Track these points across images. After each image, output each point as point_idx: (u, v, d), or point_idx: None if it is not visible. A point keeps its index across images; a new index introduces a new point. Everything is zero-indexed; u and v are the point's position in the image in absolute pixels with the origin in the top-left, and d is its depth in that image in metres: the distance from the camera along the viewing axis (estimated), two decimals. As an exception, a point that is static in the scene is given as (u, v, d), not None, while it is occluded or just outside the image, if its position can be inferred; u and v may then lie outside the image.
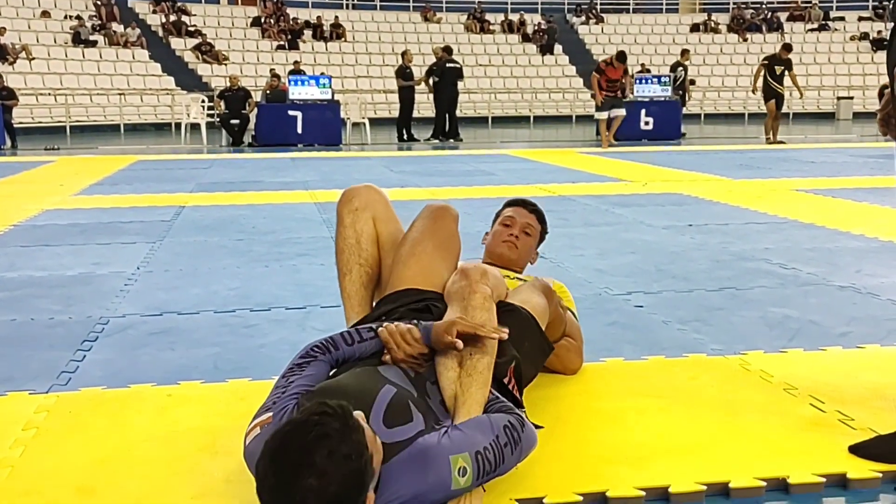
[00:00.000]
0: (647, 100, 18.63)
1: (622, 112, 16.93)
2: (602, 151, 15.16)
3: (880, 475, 2.30)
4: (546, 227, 3.47)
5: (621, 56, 17.61)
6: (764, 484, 2.26)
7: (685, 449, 2.47)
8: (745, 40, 33.41)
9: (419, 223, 2.86)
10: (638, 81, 19.15)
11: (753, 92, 17.74)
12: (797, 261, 5.21)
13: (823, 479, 2.28)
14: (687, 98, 19.74)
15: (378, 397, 2.13)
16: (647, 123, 18.42)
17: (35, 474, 2.37)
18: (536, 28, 32.41)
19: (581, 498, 2.19)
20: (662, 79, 18.99)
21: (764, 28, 33.99)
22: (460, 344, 2.26)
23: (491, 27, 32.41)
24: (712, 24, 33.91)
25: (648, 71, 22.02)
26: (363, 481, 1.85)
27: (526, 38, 32.28)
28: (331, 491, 1.78)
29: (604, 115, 16.90)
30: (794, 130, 18.19)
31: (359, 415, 1.93)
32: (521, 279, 3.19)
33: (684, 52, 20.44)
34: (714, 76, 30.97)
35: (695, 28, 33.69)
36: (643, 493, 2.21)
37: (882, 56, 21.86)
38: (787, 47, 18.06)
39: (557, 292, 3.18)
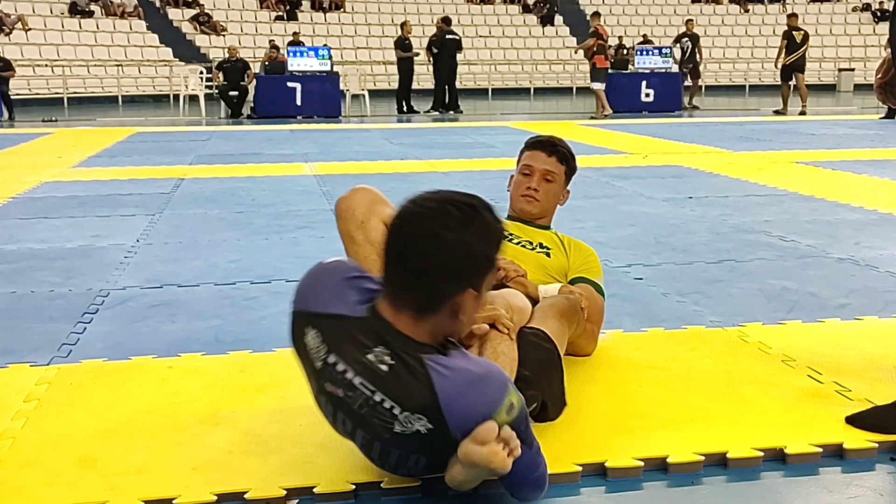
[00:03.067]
0: (647, 71, 18.57)
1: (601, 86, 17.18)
2: (602, 123, 15.13)
3: (876, 445, 2.32)
4: (573, 163, 3.24)
5: (596, 14, 18.13)
6: (761, 454, 2.28)
7: (684, 420, 2.49)
8: (747, 11, 33.27)
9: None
10: (639, 53, 19.09)
11: (776, 65, 17.60)
12: (796, 233, 5.22)
13: (820, 450, 2.30)
14: (701, 69, 19.47)
15: None
16: (647, 95, 18.39)
17: (37, 446, 2.38)
18: (537, -1, 32.28)
19: (580, 468, 2.21)
20: (663, 50, 18.93)
21: (765, 0, 33.80)
22: (485, 328, 2.28)
23: (491, -2, 32.28)
24: (714, -5, 33.76)
25: (651, 42, 21.90)
26: (482, 265, 1.96)
27: (526, 9, 32.13)
28: (462, 239, 1.90)
29: (601, 86, 17.01)
30: (794, 102, 18.14)
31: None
32: (544, 247, 3.08)
33: (689, 23, 20.21)
34: (715, 48, 30.84)
35: (696, -1, 33.54)
36: (642, 464, 2.23)
37: (883, 27, 21.74)
38: (793, 15, 18.08)
39: (584, 260, 3.12)
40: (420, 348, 1.95)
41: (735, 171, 8.17)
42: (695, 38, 19.34)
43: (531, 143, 3.24)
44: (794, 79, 17.34)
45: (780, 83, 17.84)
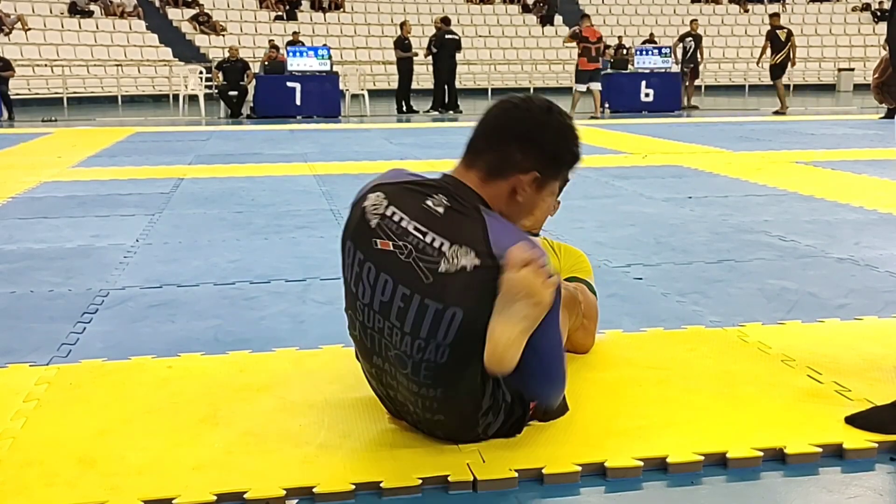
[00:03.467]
0: (647, 71, 18.57)
1: (598, 86, 17.22)
2: (602, 123, 15.13)
3: (876, 445, 2.32)
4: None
5: (585, 16, 18.29)
6: (761, 454, 2.27)
7: (683, 420, 2.49)
8: (746, 11, 33.28)
9: None
10: (639, 53, 19.10)
11: (759, 65, 17.79)
12: (796, 233, 5.22)
13: (820, 450, 2.30)
14: (701, 69, 19.52)
15: None
16: (647, 95, 18.39)
17: (36, 446, 2.38)
18: (537, -1, 32.28)
19: (580, 468, 2.21)
20: (663, 50, 18.94)
21: (765, 0, 33.80)
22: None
23: (490, -3, 32.29)
24: (713, -5, 33.77)
25: (654, 42, 21.90)
26: (559, 154, 2.26)
27: (526, 9, 32.14)
28: (555, 120, 2.26)
29: (582, 88, 17.16)
30: (794, 102, 18.15)
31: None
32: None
33: (693, 22, 20.21)
34: (715, 47, 30.85)
35: (696, -1, 33.55)
36: (641, 464, 2.23)
37: (883, 27, 21.75)
38: (776, 15, 18.62)
39: (575, 261, 3.14)
40: (478, 199, 2.17)
41: (735, 170, 8.17)
42: (698, 39, 19.35)
43: None
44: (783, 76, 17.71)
45: (776, 82, 18.07)
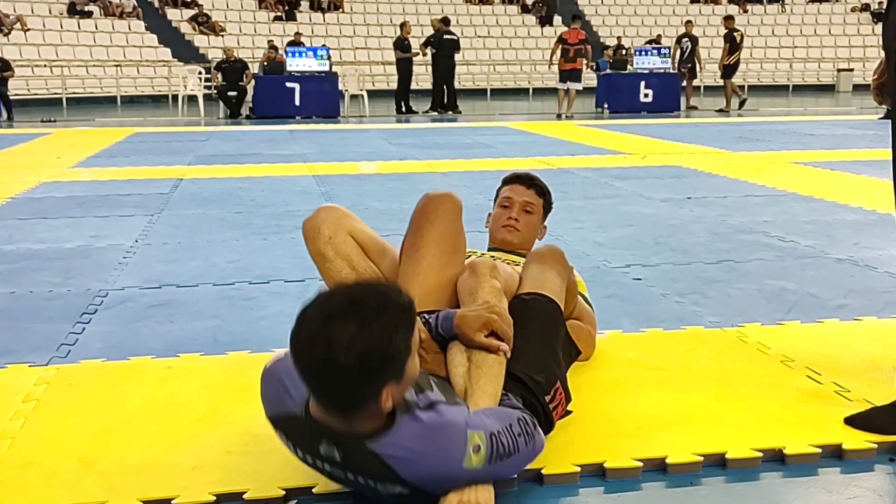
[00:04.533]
0: (646, 72, 18.58)
1: (577, 86, 17.53)
2: (601, 123, 15.14)
3: (875, 446, 2.32)
4: (550, 198, 3.33)
5: (574, 18, 18.61)
6: (760, 455, 2.27)
7: (682, 420, 2.49)
8: (746, 12, 33.27)
9: (420, 224, 2.58)
10: (638, 53, 19.10)
11: (720, 66, 18.90)
12: (795, 233, 5.22)
13: (819, 450, 2.30)
14: (698, 70, 19.61)
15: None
16: (646, 96, 18.40)
17: (36, 446, 2.38)
18: (536, -1, 32.27)
19: (579, 469, 2.21)
20: (662, 51, 18.94)
21: (764, 0, 33.82)
22: (505, 347, 2.22)
23: (490, -2, 32.28)
24: (712, -4, 33.78)
25: (659, 43, 21.88)
26: (391, 360, 1.83)
27: (525, 9, 32.13)
28: (361, 343, 1.78)
29: (561, 87, 17.63)
30: (793, 102, 18.16)
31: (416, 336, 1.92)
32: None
33: (688, 24, 20.31)
34: (714, 48, 30.72)
35: (695, -1, 33.55)
36: (640, 465, 2.23)
37: (882, 28, 21.89)
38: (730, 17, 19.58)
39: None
40: (360, 438, 1.93)
41: (734, 171, 8.17)
42: (694, 40, 19.37)
43: (509, 178, 3.34)
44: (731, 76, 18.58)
45: (723, 83, 18.90)
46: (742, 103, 19.00)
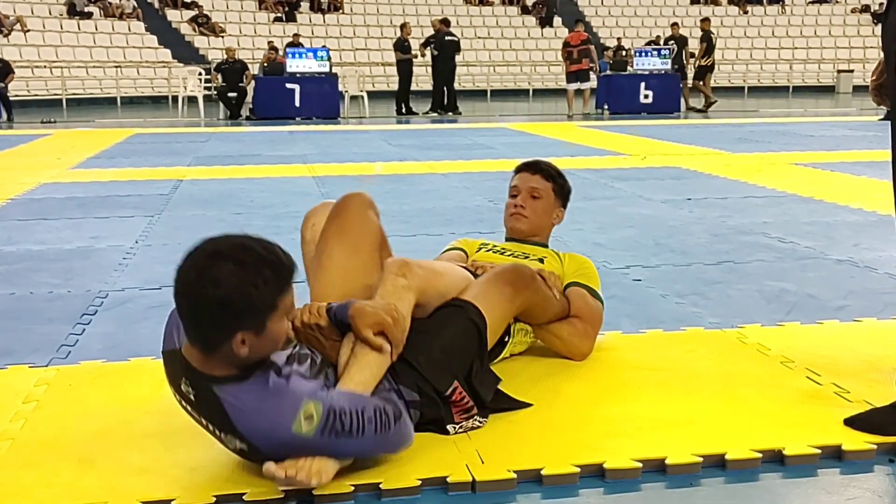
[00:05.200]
0: (646, 73, 18.58)
1: (586, 85, 18.28)
2: (601, 125, 15.15)
3: (875, 447, 2.32)
4: (561, 181, 3.33)
5: (577, 21, 19.49)
6: (760, 456, 2.28)
7: (682, 421, 2.49)
8: (746, 13, 33.27)
9: (326, 223, 2.64)
10: (638, 54, 19.11)
11: (695, 66, 19.50)
12: (795, 234, 5.22)
13: (819, 451, 2.30)
14: (688, 71, 19.69)
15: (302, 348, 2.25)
16: (646, 97, 18.40)
17: (36, 447, 2.38)
18: (536, 0, 32.23)
19: (578, 469, 2.21)
20: (662, 52, 18.94)
21: (764, 0, 33.82)
22: (387, 349, 2.27)
23: (490, -1, 32.28)
24: (713, -3, 33.78)
25: (656, 44, 21.88)
26: (252, 308, 1.99)
27: (525, 11, 32.13)
28: (228, 282, 1.96)
29: (572, 87, 18.19)
30: (793, 104, 18.18)
31: (288, 299, 2.06)
32: (538, 258, 3.13)
33: (674, 26, 20.48)
34: (715, 49, 30.85)
35: (695, 0, 33.51)
36: (640, 465, 2.23)
37: (882, 29, 22.12)
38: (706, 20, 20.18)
39: (579, 267, 3.15)
40: (209, 380, 2.07)
41: (734, 172, 8.17)
42: (681, 41, 19.40)
43: (516, 168, 3.37)
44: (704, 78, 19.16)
45: (697, 83, 19.37)
46: (709, 104, 19.23)
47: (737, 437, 2.37)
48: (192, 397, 2.12)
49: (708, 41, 18.85)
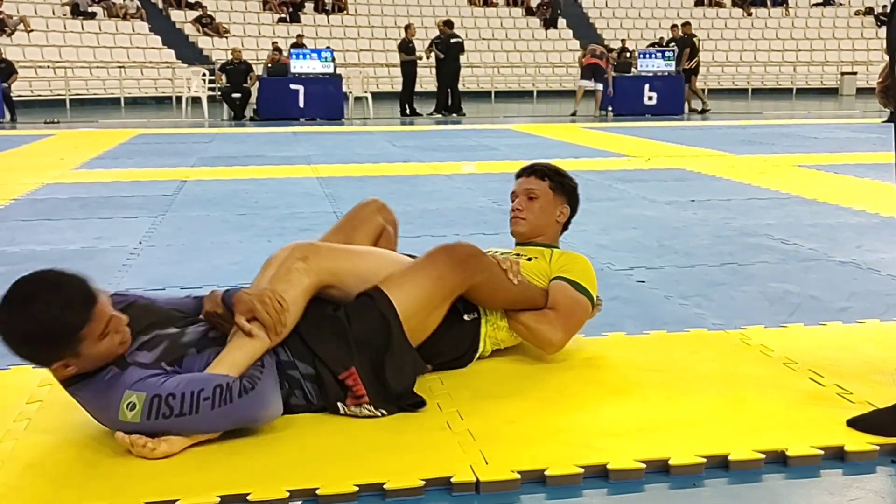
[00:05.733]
0: (650, 74, 18.57)
1: (599, 85, 18.58)
2: (605, 126, 15.15)
3: (877, 448, 2.32)
4: (558, 178, 3.33)
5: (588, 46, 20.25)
6: (763, 456, 2.28)
7: (685, 422, 2.49)
8: (750, 15, 33.26)
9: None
10: (642, 56, 19.11)
11: (682, 70, 19.34)
12: (798, 236, 5.22)
13: (821, 452, 2.30)
14: (695, 71, 19.73)
15: (171, 331, 2.51)
16: (650, 98, 18.38)
17: (39, 447, 2.39)
18: (540, 1, 32.24)
19: (582, 470, 2.21)
20: (666, 53, 18.93)
21: (768, 2, 33.80)
22: (255, 333, 2.44)
23: (494, 0, 32.25)
24: (716, -1, 33.76)
25: (660, 45, 21.88)
26: (57, 340, 2.26)
27: (529, 12, 32.13)
28: (21, 328, 2.24)
29: (583, 84, 18.84)
30: (797, 106, 18.17)
31: (104, 296, 2.34)
32: (531, 258, 3.14)
33: (673, 28, 20.53)
34: (718, 51, 30.87)
35: (699, 2, 33.51)
36: (643, 466, 2.23)
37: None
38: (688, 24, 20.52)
39: (567, 262, 3.14)
40: (63, 384, 2.41)
41: (737, 174, 8.17)
42: (682, 43, 19.38)
43: (517, 174, 3.41)
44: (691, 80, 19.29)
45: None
46: (704, 110, 19.33)
47: (740, 438, 2.37)
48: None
49: (691, 45, 19.00)
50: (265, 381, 2.40)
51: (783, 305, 3.77)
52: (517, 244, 3.32)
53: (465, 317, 2.89)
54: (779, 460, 2.29)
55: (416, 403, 2.58)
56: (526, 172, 3.36)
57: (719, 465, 2.27)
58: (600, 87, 18.46)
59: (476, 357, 2.96)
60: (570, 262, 3.17)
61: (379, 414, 2.52)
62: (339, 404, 2.52)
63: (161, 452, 2.28)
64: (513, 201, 3.33)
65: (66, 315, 2.25)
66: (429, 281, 2.68)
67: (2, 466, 2.27)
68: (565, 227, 3.39)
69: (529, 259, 3.14)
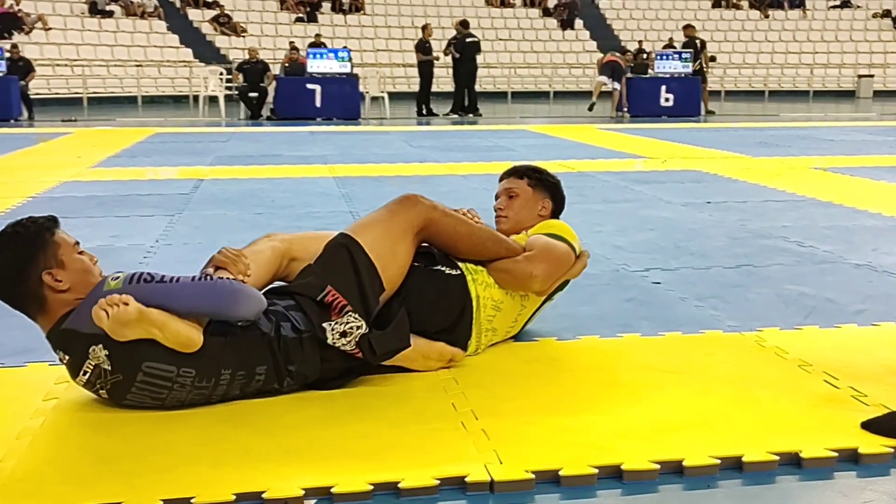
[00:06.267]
0: (667, 76, 18.53)
1: (616, 84, 18.66)
2: (621, 127, 15.13)
3: (892, 450, 2.32)
4: (535, 174, 3.50)
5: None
6: (777, 458, 2.28)
7: (700, 423, 2.49)
8: (767, 17, 33.15)
9: None
10: (659, 58, 19.07)
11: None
12: (814, 238, 5.21)
13: (836, 454, 2.30)
14: (707, 73, 19.67)
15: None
16: (667, 100, 18.34)
17: (55, 444, 2.41)
18: (558, 2, 32.20)
19: (596, 471, 2.22)
20: (683, 55, 18.88)
21: (786, 4, 33.68)
22: (220, 274, 2.74)
23: (512, 1, 32.23)
24: (734, 0, 33.62)
25: (673, 47, 21.85)
26: (21, 290, 2.53)
27: (547, 13, 32.10)
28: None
29: (601, 81, 19.00)
30: (814, 108, 18.11)
31: (61, 236, 2.59)
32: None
33: (686, 28, 20.46)
34: (735, 53, 30.77)
35: (716, 4, 33.41)
36: (657, 467, 2.23)
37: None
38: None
39: (542, 225, 3.29)
40: (59, 325, 2.55)
41: (753, 176, 8.15)
42: (699, 45, 19.32)
43: (498, 180, 3.59)
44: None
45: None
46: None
47: (754, 440, 2.37)
48: (67, 359, 2.56)
49: (693, 47, 18.92)
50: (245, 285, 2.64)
51: (798, 307, 3.77)
52: None
53: (447, 270, 3.00)
54: (793, 462, 2.29)
55: (400, 334, 2.79)
56: (504, 175, 3.55)
57: (733, 467, 2.27)
58: (617, 86, 18.50)
59: (473, 322, 3.01)
60: (546, 225, 3.31)
61: (363, 324, 2.69)
62: (325, 325, 2.67)
63: (134, 308, 2.45)
64: (496, 202, 3.49)
65: (32, 224, 2.57)
66: (381, 215, 2.94)
67: (18, 463, 2.29)
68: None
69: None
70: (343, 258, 2.79)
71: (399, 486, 2.15)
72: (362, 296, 2.73)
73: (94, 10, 25.80)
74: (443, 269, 3.01)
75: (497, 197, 3.51)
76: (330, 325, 2.67)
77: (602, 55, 19.44)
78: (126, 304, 2.45)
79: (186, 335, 2.50)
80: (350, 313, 2.68)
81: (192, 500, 2.09)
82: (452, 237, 3.01)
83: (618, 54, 19.50)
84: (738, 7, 33.49)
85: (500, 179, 3.56)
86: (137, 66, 24.38)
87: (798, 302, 3.85)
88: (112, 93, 23.37)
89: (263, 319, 2.65)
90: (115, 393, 2.55)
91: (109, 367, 2.50)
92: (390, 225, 2.89)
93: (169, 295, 2.56)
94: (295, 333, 2.66)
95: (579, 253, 3.23)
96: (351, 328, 2.67)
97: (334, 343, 2.67)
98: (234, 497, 2.10)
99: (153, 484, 2.16)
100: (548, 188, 3.49)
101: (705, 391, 2.74)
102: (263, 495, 2.11)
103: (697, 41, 19.23)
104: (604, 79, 18.78)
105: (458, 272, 3.02)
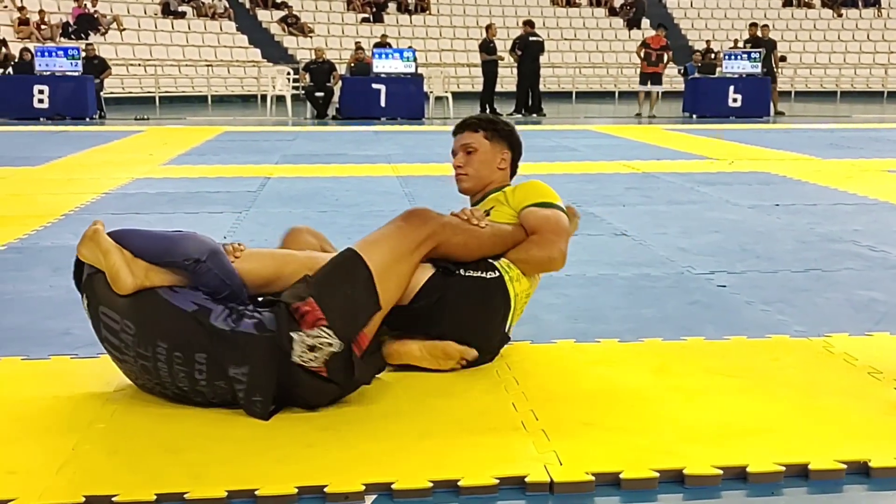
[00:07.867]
0: (735, 76, 18.28)
1: (658, 88, 19.15)
2: (689, 128, 14.97)
3: (965, 462, 2.27)
4: (491, 126, 3.38)
5: (659, 26, 20.35)
6: (844, 467, 2.24)
7: (764, 429, 2.46)
8: (840, 16, 32.53)
9: None
10: (727, 57, 18.82)
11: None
12: (887, 243, 5.10)
13: (906, 464, 2.26)
14: (777, 74, 19.39)
15: None
16: (735, 100, 18.10)
17: (124, 434, 2.46)
18: (624, 1, 31.97)
19: (657, 474, 2.20)
20: (752, 55, 18.61)
21: (860, 3, 33.01)
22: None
23: (577, 0, 32.07)
24: (805, -1, 33.09)
25: (736, 47, 21.56)
26: None
27: (613, 12, 31.88)
28: None
29: (643, 89, 19.27)
30: (888, 109, 17.75)
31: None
32: (486, 209, 3.16)
33: (753, 27, 20.14)
34: (806, 52, 30.26)
35: (787, 3, 32.87)
36: (721, 472, 2.21)
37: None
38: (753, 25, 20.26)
39: (525, 192, 3.17)
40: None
41: (824, 178, 8.01)
42: (769, 45, 19.00)
43: (452, 134, 3.50)
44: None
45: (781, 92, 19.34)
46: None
47: (820, 448, 2.33)
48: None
49: (759, 46, 18.63)
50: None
51: (869, 313, 3.69)
52: (472, 203, 3.32)
53: (485, 274, 2.94)
54: (861, 471, 2.25)
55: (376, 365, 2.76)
56: (459, 129, 3.42)
57: (799, 475, 2.23)
58: (657, 89, 19.04)
59: (511, 315, 2.99)
60: (524, 190, 3.18)
61: (337, 343, 2.55)
62: (294, 334, 2.53)
63: (93, 228, 2.81)
64: (453, 159, 3.39)
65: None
66: (388, 231, 2.88)
67: (87, 452, 2.34)
68: (513, 170, 3.42)
69: (488, 213, 3.13)
70: (341, 273, 2.71)
71: (459, 484, 2.15)
72: (346, 314, 2.61)
73: (167, 11, 26.23)
74: (481, 274, 2.94)
75: (454, 154, 3.40)
76: (299, 334, 2.53)
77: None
78: (95, 225, 2.65)
79: (118, 270, 2.63)
80: (324, 328, 2.55)
81: (255, 492, 2.11)
82: (461, 253, 2.93)
83: (667, 55, 19.51)
84: (809, 6, 32.92)
85: (454, 134, 3.44)
86: (208, 65, 24.74)
87: (868, 308, 3.78)
88: (183, 92, 23.75)
89: (220, 309, 2.58)
90: (97, 333, 2.68)
91: (86, 304, 2.68)
92: (397, 243, 2.82)
93: (134, 234, 2.81)
94: (256, 331, 2.55)
95: (566, 209, 3.18)
96: (321, 343, 2.54)
97: (301, 355, 2.52)
98: (297, 490, 2.12)
99: (218, 474, 2.19)
100: (504, 137, 3.38)
101: (771, 397, 2.70)
102: (325, 489, 2.13)
103: (765, 40, 18.97)
104: (645, 88, 19.18)
105: (497, 274, 2.96)
